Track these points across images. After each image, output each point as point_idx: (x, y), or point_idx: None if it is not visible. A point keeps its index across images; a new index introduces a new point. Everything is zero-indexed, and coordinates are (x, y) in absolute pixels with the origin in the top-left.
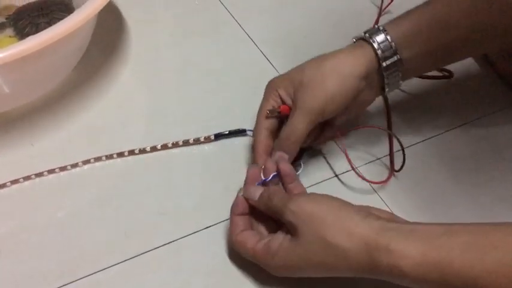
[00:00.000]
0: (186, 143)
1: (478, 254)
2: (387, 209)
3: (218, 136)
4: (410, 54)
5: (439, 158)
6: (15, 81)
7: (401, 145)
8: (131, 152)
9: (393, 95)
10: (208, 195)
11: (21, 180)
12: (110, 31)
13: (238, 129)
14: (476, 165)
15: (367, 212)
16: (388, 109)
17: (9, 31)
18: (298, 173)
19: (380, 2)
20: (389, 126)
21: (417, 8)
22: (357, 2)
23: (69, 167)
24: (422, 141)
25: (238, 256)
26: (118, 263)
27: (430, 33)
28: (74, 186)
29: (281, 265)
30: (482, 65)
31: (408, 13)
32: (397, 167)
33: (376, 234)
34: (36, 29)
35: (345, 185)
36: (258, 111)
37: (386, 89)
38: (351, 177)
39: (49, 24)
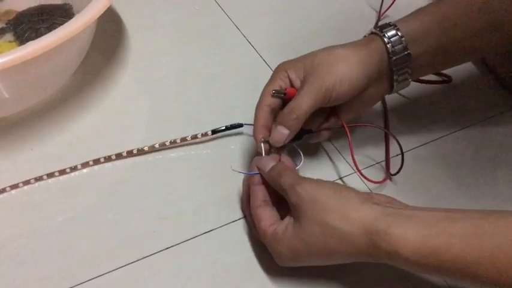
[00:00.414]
0: (184, 140)
1: (477, 240)
2: None
3: (215, 132)
4: (419, 50)
5: (439, 162)
6: (15, 87)
7: (400, 147)
8: (130, 153)
9: (392, 99)
10: (208, 200)
11: (21, 184)
12: (109, 36)
13: (235, 124)
14: (476, 169)
15: (368, 197)
16: (386, 113)
17: (9, 36)
18: (298, 167)
19: (379, 6)
20: (387, 127)
21: (427, 6)
22: (356, 6)
23: (68, 170)
24: (422, 145)
25: (238, 261)
26: (118, 268)
27: (439, 30)
28: (74, 190)
29: (285, 251)
30: (481, 69)
31: (418, 11)
32: (395, 170)
33: (375, 219)
34: (36, 34)
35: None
36: (263, 89)
37: (395, 86)
38: (351, 179)
39: (49, 29)
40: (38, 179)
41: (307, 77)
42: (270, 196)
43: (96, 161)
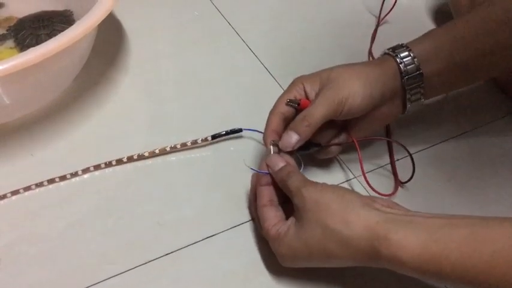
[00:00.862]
0: (184, 145)
1: (476, 245)
2: None
3: (215, 137)
4: (432, 70)
5: (438, 167)
6: (16, 93)
7: (410, 156)
8: (130, 158)
9: None
10: (208, 205)
11: (21, 190)
12: (110, 42)
13: (234, 129)
14: (476, 174)
15: (370, 201)
16: None
17: (10, 42)
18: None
19: (378, 12)
20: (389, 135)
21: (439, 28)
22: (355, 12)
23: (68, 176)
24: (422, 150)
25: (238, 266)
26: (119, 274)
27: (451, 51)
28: (74, 196)
29: (285, 251)
30: None
31: (430, 32)
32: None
33: (376, 224)
34: (37, 40)
35: None
36: (279, 97)
37: (408, 105)
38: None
39: (50, 35)
40: (39, 184)
41: (322, 89)
42: (277, 197)
43: (97, 167)
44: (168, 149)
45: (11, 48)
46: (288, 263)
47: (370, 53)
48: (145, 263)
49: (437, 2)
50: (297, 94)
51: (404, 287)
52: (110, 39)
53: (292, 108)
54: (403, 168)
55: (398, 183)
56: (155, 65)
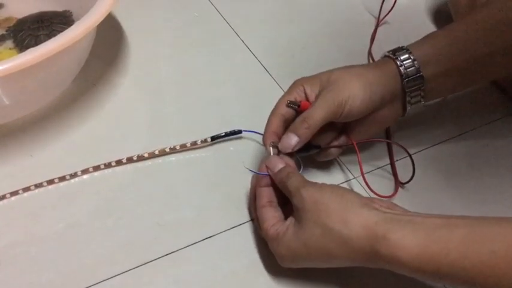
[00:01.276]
0: (183, 147)
1: (475, 245)
2: None
3: (215, 138)
4: (432, 72)
5: (438, 168)
6: (15, 93)
7: (410, 157)
8: (129, 159)
9: None
10: (207, 205)
11: (21, 191)
12: (109, 43)
13: (234, 130)
14: (476, 175)
15: (369, 201)
16: None
17: (9, 43)
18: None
19: (378, 12)
20: (388, 137)
21: (439, 30)
22: (354, 13)
23: (68, 177)
24: (421, 150)
25: (238, 267)
26: (118, 274)
27: (451, 53)
28: (74, 197)
29: (284, 251)
30: None
31: (430, 35)
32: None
33: (375, 224)
34: (36, 41)
35: None
36: (279, 99)
37: (408, 108)
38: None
39: (49, 36)
40: (38, 185)
41: (322, 91)
42: (276, 198)
43: (96, 168)
44: (167, 150)
45: (10, 48)
46: (286, 263)
47: (369, 53)
48: (145, 263)
49: (436, 2)
50: (297, 96)
51: (403, 287)
52: (109, 40)
53: (293, 110)
54: (403, 169)
55: (399, 184)
56: (155, 66)
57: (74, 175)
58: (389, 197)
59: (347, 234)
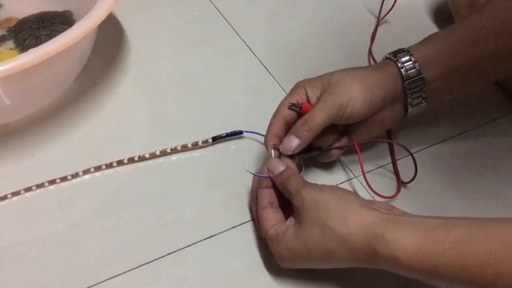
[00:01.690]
0: (184, 147)
1: (472, 245)
2: None
3: (216, 139)
4: (433, 74)
5: (438, 167)
6: (17, 94)
7: (412, 156)
8: (131, 160)
9: None
10: (209, 205)
11: (22, 191)
12: (110, 42)
13: (235, 131)
14: (476, 174)
15: (368, 202)
16: None
17: (10, 43)
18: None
19: (378, 11)
20: (389, 137)
21: (440, 31)
22: (355, 12)
23: (69, 177)
24: (422, 150)
25: (239, 266)
26: (119, 274)
27: (452, 54)
28: (75, 197)
29: (284, 251)
30: None
31: (431, 36)
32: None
33: (374, 223)
34: (37, 41)
35: None
36: (281, 101)
37: (410, 109)
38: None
39: (49, 36)
40: (40, 185)
41: (323, 94)
42: (277, 199)
43: (98, 168)
44: (168, 150)
45: (11, 49)
46: (286, 263)
47: (370, 52)
48: (146, 263)
49: (436, 1)
50: (299, 98)
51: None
52: (110, 40)
53: (294, 112)
54: (404, 169)
55: (401, 183)
56: (155, 66)
57: (75, 175)
58: (392, 197)
59: (346, 233)
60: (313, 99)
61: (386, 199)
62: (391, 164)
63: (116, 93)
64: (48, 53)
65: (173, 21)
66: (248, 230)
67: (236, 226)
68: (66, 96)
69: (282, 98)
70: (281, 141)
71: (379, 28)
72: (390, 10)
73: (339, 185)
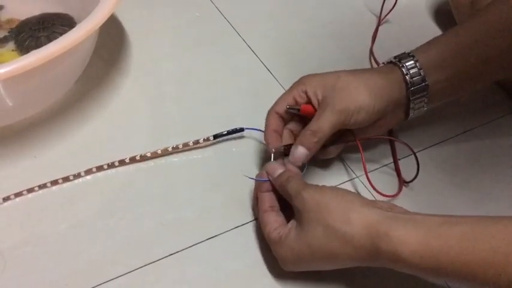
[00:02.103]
0: (186, 145)
1: (476, 242)
2: None
3: (217, 136)
4: (436, 78)
5: (440, 166)
6: (19, 95)
7: (414, 155)
8: (132, 159)
9: None
10: (211, 205)
11: (25, 192)
12: (111, 43)
13: (236, 128)
14: (477, 173)
15: (370, 201)
16: None
17: (12, 45)
18: (302, 173)
19: (379, 11)
20: (392, 135)
21: (443, 35)
22: (356, 12)
23: (71, 177)
24: (424, 149)
25: (241, 267)
26: (121, 275)
27: (455, 57)
28: (77, 197)
29: (287, 254)
30: None
31: (435, 40)
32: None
33: (376, 222)
34: (36, 42)
35: None
36: (279, 97)
37: (411, 114)
38: (357, 184)
39: (49, 38)
40: (42, 186)
41: (328, 99)
42: (278, 202)
43: (100, 168)
44: (170, 149)
45: (12, 50)
46: (290, 266)
47: (371, 52)
48: (148, 263)
49: (437, 0)
50: (298, 96)
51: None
52: (112, 41)
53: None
54: (406, 168)
55: (402, 182)
56: (157, 66)
57: (77, 176)
58: (394, 196)
59: (349, 232)
60: (314, 100)
61: (388, 198)
62: (392, 164)
63: (118, 94)
64: (50, 55)
65: (174, 22)
66: (250, 230)
67: (238, 226)
68: (68, 98)
69: None
70: (281, 136)
71: (380, 28)
72: (391, 10)
73: (340, 185)
